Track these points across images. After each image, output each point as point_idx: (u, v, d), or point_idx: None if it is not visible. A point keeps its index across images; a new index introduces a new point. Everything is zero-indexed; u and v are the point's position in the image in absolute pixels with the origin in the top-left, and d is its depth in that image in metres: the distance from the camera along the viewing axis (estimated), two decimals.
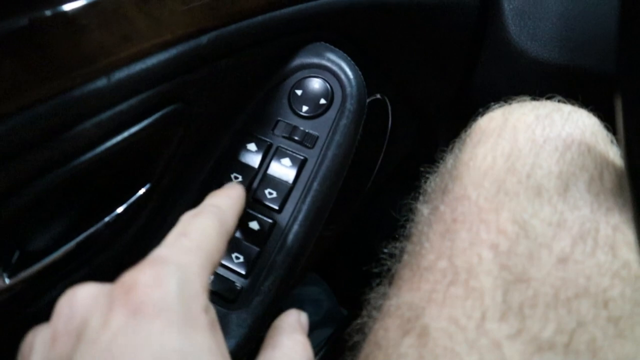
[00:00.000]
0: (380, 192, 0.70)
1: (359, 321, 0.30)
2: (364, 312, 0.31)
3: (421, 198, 0.33)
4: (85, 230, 0.30)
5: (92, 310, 0.21)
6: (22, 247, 0.28)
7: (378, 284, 0.32)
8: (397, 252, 0.32)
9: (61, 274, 0.30)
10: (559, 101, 0.33)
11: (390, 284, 0.30)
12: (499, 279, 0.25)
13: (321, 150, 0.35)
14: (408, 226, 0.33)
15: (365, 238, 0.74)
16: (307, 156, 0.35)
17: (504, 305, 0.24)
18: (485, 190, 0.28)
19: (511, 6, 0.49)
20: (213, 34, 0.30)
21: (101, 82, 0.25)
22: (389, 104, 0.60)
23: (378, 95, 0.54)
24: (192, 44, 0.29)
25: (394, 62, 0.52)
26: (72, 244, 0.29)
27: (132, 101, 0.27)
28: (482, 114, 0.33)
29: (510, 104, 0.33)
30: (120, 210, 0.31)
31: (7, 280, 0.26)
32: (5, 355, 0.25)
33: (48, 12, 0.22)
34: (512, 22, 0.49)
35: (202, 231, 0.25)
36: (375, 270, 0.32)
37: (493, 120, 0.32)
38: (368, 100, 0.46)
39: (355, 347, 0.29)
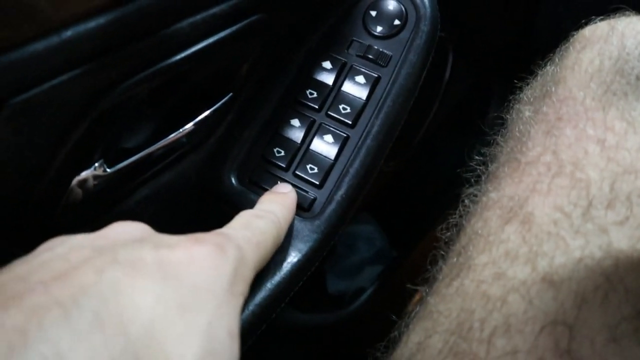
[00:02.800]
0: (434, 136, 0.70)
1: (451, 219, 0.32)
2: (458, 210, 0.32)
3: (519, 103, 0.34)
4: (172, 132, 0.32)
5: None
6: (118, 144, 0.30)
7: (472, 184, 0.32)
8: (489, 156, 0.33)
9: (150, 175, 0.33)
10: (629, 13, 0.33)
11: (486, 182, 0.31)
12: (606, 171, 0.26)
13: (394, 68, 0.36)
14: (503, 128, 0.34)
15: (418, 183, 0.75)
16: (380, 74, 0.36)
17: (611, 194, 0.25)
18: (592, 91, 0.29)
19: None
20: None
21: None
22: (450, 43, 0.59)
23: (441, 33, 0.54)
24: None
25: (460, 1, 0.52)
26: (160, 143, 0.31)
27: (224, 5, 0.28)
28: (584, 25, 0.33)
29: (613, 17, 0.33)
30: (204, 115, 0.33)
31: (107, 169, 0.29)
32: None
33: None
34: None
35: (262, 234, 0.26)
36: (469, 173, 0.33)
37: (599, 28, 0.32)
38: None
39: (449, 244, 0.31)
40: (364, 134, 0.35)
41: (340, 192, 0.34)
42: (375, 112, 0.35)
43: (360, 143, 0.35)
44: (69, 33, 0.22)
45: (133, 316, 0.18)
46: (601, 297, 0.23)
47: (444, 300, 0.27)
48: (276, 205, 0.30)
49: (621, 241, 0.24)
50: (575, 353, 0.22)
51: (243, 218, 0.27)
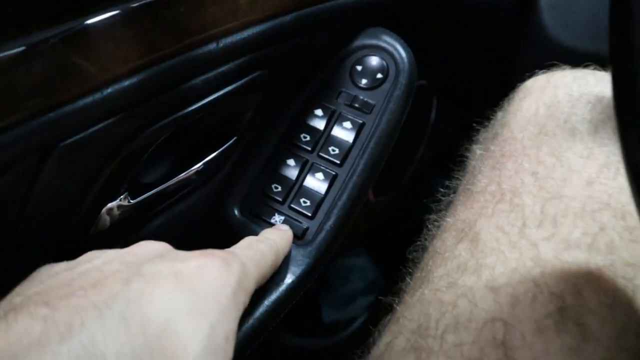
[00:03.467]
0: (423, 174, 0.75)
1: (418, 242, 0.37)
2: (423, 234, 0.37)
3: (475, 143, 0.40)
4: (185, 170, 0.37)
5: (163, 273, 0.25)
6: (140, 179, 0.35)
7: (436, 212, 0.38)
8: (451, 188, 0.39)
9: (164, 207, 0.38)
10: (594, 69, 0.39)
11: (446, 209, 0.37)
12: (538, 197, 0.31)
13: (377, 115, 0.41)
14: (463, 164, 0.40)
15: (409, 218, 0.80)
16: (365, 120, 0.41)
17: (542, 215, 0.31)
18: (529, 132, 0.35)
19: (547, 1, 0.54)
20: (295, 14, 0.36)
21: (212, 46, 0.32)
22: (433, 89, 0.65)
23: (423, 81, 0.60)
24: (278, 21, 0.36)
25: (440, 51, 0.58)
26: (175, 180, 0.37)
27: (231, 64, 0.34)
28: (528, 78, 0.39)
29: (551, 70, 0.39)
30: (212, 156, 0.38)
31: (131, 201, 0.34)
32: None
33: None
34: (547, 14, 0.54)
35: (262, 255, 0.31)
36: (434, 205, 0.38)
37: (537, 80, 0.38)
38: (418, 83, 0.52)
39: (415, 262, 0.36)
40: (351, 172, 0.40)
41: (330, 222, 0.39)
42: (361, 153, 0.41)
43: (347, 180, 0.40)
44: (109, 90, 0.28)
45: (151, 318, 0.22)
46: (530, 298, 0.28)
47: (408, 307, 0.32)
48: (276, 235, 0.35)
49: (547, 253, 0.29)
50: (509, 343, 0.27)
51: (247, 241, 0.32)
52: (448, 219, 0.35)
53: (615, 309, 0.28)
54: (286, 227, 0.38)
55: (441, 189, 0.39)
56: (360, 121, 0.41)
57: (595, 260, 0.29)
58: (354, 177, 0.40)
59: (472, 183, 0.36)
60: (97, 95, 0.27)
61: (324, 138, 0.41)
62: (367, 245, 0.76)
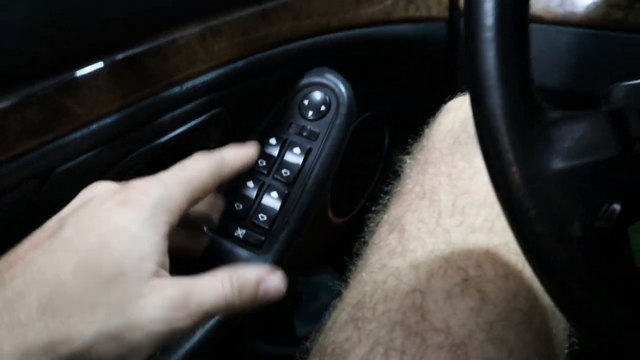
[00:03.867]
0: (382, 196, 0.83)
1: (361, 239, 0.44)
2: (364, 232, 0.44)
3: (407, 155, 0.48)
4: None
5: (100, 194, 0.32)
6: None
7: (376, 211, 0.46)
8: (388, 191, 0.47)
9: None
10: None
11: (382, 209, 0.45)
12: (451, 194, 0.39)
13: (322, 141, 0.49)
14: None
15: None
16: (312, 146, 0.49)
17: (453, 208, 0.38)
18: (447, 142, 0.43)
19: None
20: (247, 59, 0.44)
21: (177, 89, 0.40)
22: (384, 122, 0.74)
23: (369, 113, 0.68)
24: (232, 66, 0.44)
25: (385, 85, 0.67)
26: None
27: (193, 103, 0.42)
28: (450, 99, 0.48)
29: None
30: None
31: None
32: None
33: (152, 45, 0.37)
34: None
35: (197, 170, 0.34)
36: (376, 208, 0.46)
37: (456, 102, 0.47)
38: (364, 116, 0.61)
39: (359, 254, 0.43)
40: (301, 190, 0.48)
41: (284, 234, 0.46)
42: (309, 173, 0.48)
43: (298, 197, 0.48)
44: (94, 126, 0.35)
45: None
46: (442, 272, 0.35)
47: (350, 289, 0.39)
48: (228, 150, 0.38)
49: (457, 237, 0.37)
50: (425, 307, 0.34)
51: (188, 159, 0.35)
52: (383, 217, 0.43)
53: (508, 278, 0.35)
54: (251, 148, 0.39)
55: (381, 194, 0.47)
56: (308, 147, 0.49)
57: (493, 240, 0.37)
58: (304, 194, 0.47)
59: (402, 186, 0.44)
60: (85, 131, 0.35)
61: (277, 163, 0.49)
62: (331, 262, 0.82)
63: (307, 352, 0.39)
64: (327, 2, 0.50)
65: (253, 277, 0.32)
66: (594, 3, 0.55)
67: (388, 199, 0.46)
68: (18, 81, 0.31)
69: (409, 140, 0.71)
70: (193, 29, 0.40)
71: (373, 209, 0.46)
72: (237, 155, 0.38)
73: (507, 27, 0.26)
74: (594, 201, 0.25)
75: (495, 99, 0.26)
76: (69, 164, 0.35)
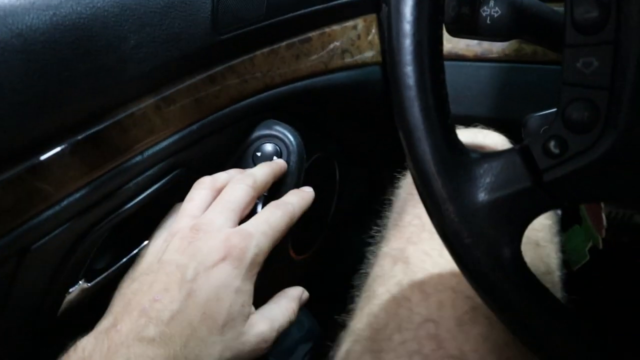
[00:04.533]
0: (341, 228, 0.87)
1: (361, 271, 0.47)
2: (364, 263, 0.48)
3: (398, 189, 0.52)
4: (127, 255, 0.46)
5: (206, 244, 0.41)
6: (93, 266, 0.44)
7: (372, 245, 0.49)
8: (381, 226, 0.50)
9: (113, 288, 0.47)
10: (481, 127, 0.53)
11: (380, 242, 0.48)
12: None
13: (277, 189, 0.52)
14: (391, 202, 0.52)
15: (332, 270, 0.90)
16: (267, 194, 0.52)
17: None
18: None
19: None
20: (200, 122, 0.48)
21: (138, 158, 0.42)
22: (334, 160, 0.78)
23: (320, 154, 0.72)
24: (187, 130, 0.47)
25: (330, 128, 0.71)
26: (118, 264, 0.46)
27: (155, 168, 0.45)
28: None
29: None
30: (145, 243, 0.48)
31: (87, 284, 0.43)
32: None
33: (111, 121, 0.40)
34: None
35: (278, 220, 0.44)
36: (371, 240, 0.50)
37: None
38: (315, 157, 0.65)
39: (360, 286, 0.46)
40: None
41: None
42: None
43: None
44: (64, 203, 0.37)
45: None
46: (451, 302, 0.39)
47: (360, 320, 0.42)
48: (295, 197, 0.48)
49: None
50: (439, 336, 0.37)
51: (266, 214, 0.45)
52: (383, 249, 0.46)
53: None
54: (309, 189, 0.51)
55: (374, 227, 0.51)
56: (265, 193, 0.52)
57: None
58: None
59: (400, 219, 0.48)
60: (57, 207, 0.37)
61: None
62: None
63: None
64: (268, 61, 0.54)
65: (297, 293, 0.48)
66: None
67: (381, 232, 0.50)
68: None
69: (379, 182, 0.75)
70: (148, 101, 0.43)
71: (369, 240, 0.50)
72: (303, 201, 0.48)
73: (426, 85, 0.30)
74: (516, 227, 0.30)
75: (424, 148, 0.30)
76: (43, 240, 0.37)
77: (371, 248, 0.52)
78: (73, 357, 0.35)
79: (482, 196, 0.30)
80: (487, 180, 0.30)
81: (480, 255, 0.30)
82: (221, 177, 0.48)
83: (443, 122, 0.30)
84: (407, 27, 0.30)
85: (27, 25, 0.33)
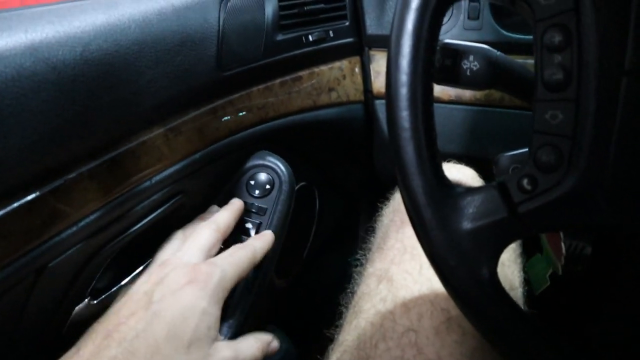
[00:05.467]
0: (318, 254, 0.90)
1: (348, 290, 0.51)
2: (351, 284, 0.51)
3: (381, 216, 0.57)
4: (129, 274, 0.49)
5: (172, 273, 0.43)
6: (98, 285, 0.47)
7: (357, 266, 0.53)
8: (365, 250, 0.54)
9: None
10: (454, 162, 0.58)
11: (365, 263, 0.52)
12: None
13: (270, 216, 0.56)
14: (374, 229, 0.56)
15: (310, 294, 0.94)
16: (261, 220, 0.56)
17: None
18: None
19: (384, 115, 0.74)
20: (202, 152, 0.51)
21: (147, 183, 0.46)
22: (315, 188, 0.82)
23: (304, 183, 0.77)
24: (190, 159, 0.50)
25: (315, 158, 0.76)
26: (120, 284, 0.48)
27: (160, 193, 0.48)
28: None
29: None
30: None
31: (94, 302, 0.45)
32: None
33: (126, 148, 0.43)
34: (385, 125, 0.74)
35: (240, 258, 0.47)
36: (356, 261, 0.54)
37: None
38: (300, 185, 0.69)
39: (347, 303, 0.50)
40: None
41: (247, 299, 0.52)
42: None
43: (255, 270, 0.54)
44: (81, 223, 0.40)
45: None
46: (429, 314, 0.43)
47: (348, 333, 0.46)
48: (255, 240, 0.51)
49: (438, 284, 0.43)
50: (419, 343, 0.41)
51: (230, 250, 0.48)
52: (369, 269, 0.51)
53: None
54: (268, 232, 0.54)
55: (359, 251, 0.55)
56: (258, 221, 0.56)
57: None
58: (260, 266, 0.54)
59: (383, 243, 0.52)
60: (74, 228, 0.40)
61: (233, 236, 0.55)
62: (277, 322, 0.88)
63: None
64: (264, 96, 0.59)
65: (268, 339, 0.50)
66: None
67: (365, 255, 0.54)
68: (20, 190, 0.36)
69: (355, 210, 0.79)
70: (158, 130, 0.46)
71: (354, 263, 0.54)
72: (264, 244, 0.52)
73: (419, 127, 0.35)
74: (494, 251, 0.34)
75: (417, 182, 0.35)
76: (59, 259, 0.40)
77: (357, 269, 0.56)
78: None
79: (465, 224, 0.34)
80: (470, 210, 0.35)
81: (464, 275, 0.34)
82: (189, 227, 0.52)
83: (433, 160, 0.35)
84: (404, 77, 0.35)
85: (61, 60, 0.37)
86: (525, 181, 0.34)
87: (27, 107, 0.35)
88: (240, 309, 0.52)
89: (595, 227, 0.33)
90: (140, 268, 0.50)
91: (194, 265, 0.44)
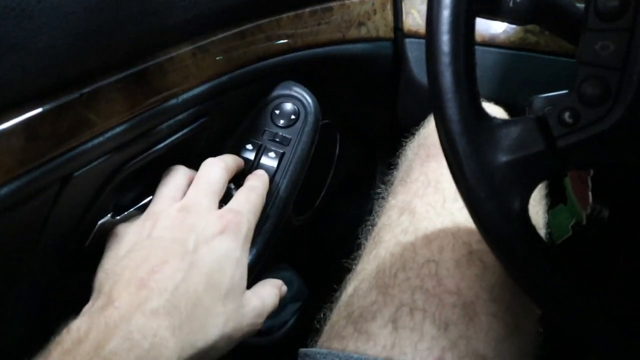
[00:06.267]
0: (334, 197, 0.90)
1: (368, 222, 0.51)
2: (372, 216, 0.51)
3: (406, 150, 0.56)
4: (151, 194, 0.49)
5: (203, 220, 0.44)
6: (121, 201, 0.47)
7: (378, 199, 0.53)
8: (387, 183, 0.54)
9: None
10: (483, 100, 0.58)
11: (387, 196, 0.52)
12: (453, 183, 0.47)
13: (293, 146, 0.56)
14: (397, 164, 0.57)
15: (323, 234, 0.94)
16: (284, 151, 0.55)
17: (456, 195, 0.46)
18: None
19: (413, 55, 0.72)
20: (229, 75, 0.50)
21: (174, 101, 0.45)
22: (337, 127, 0.81)
23: (327, 120, 0.75)
24: (218, 81, 0.49)
25: (338, 95, 0.74)
26: (142, 203, 0.49)
27: (186, 113, 0.47)
28: None
29: None
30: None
31: (117, 217, 0.45)
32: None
33: (153, 63, 0.42)
34: (414, 65, 0.72)
35: (256, 201, 0.48)
36: (375, 197, 0.53)
37: None
38: (323, 122, 0.68)
39: (366, 234, 0.50)
40: (276, 190, 0.54)
41: (266, 226, 0.52)
42: (283, 175, 0.54)
43: (274, 197, 0.54)
44: (107, 134, 0.40)
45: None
46: (451, 246, 0.43)
47: (368, 262, 0.46)
48: (257, 181, 0.52)
49: (461, 218, 0.45)
50: (439, 274, 0.41)
51: (244, 194, 0.48)
52: (391, 201, 0.51)
53: None
54: (261, 172, 0.54)
55: (381, 185, 0.55)
56: (281, 151, 0.55)
57: None
58: (279, 194, 0.54)
59: (407, 176, 0.52)
60: (100, 138, 0.40)
61: (254, 166, 0.55)
62: (290, 260, 0.89)
63: (325, 321, 0.46)
64: (293, 24, 0.57)
65: (280, 283, 0.50)
66: (513, 28, 0.65)
67: (387, 188, 0.54)
68: (49, 94, 0.36)
69: (372, 156, 0.78)
70: (186, 48, 0.45)
71: (374, 195, 0.54)
72: (265, 183, 0.53)
73: (459, 53, 0.34)
74: (527, 186, 0.34)
75: (452, 109, 0.34)
76: (85, 169, 0.39)
77: (378, 202, 0.56)
78: (67, 339, 0.34)
79: (500, 156, 0.34)
80: (506, 142, 0.34)
81: (493, 208, 0.33)
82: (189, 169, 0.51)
83: (471, 88, 0.34)
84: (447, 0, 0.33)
85: None
86: (566, 114, 0.32)
87: (56, 8, 0.34)
88: (257, 249, 0.52)
89: (636, 165, 0.32)
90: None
91: (222, 214, 0.44)
